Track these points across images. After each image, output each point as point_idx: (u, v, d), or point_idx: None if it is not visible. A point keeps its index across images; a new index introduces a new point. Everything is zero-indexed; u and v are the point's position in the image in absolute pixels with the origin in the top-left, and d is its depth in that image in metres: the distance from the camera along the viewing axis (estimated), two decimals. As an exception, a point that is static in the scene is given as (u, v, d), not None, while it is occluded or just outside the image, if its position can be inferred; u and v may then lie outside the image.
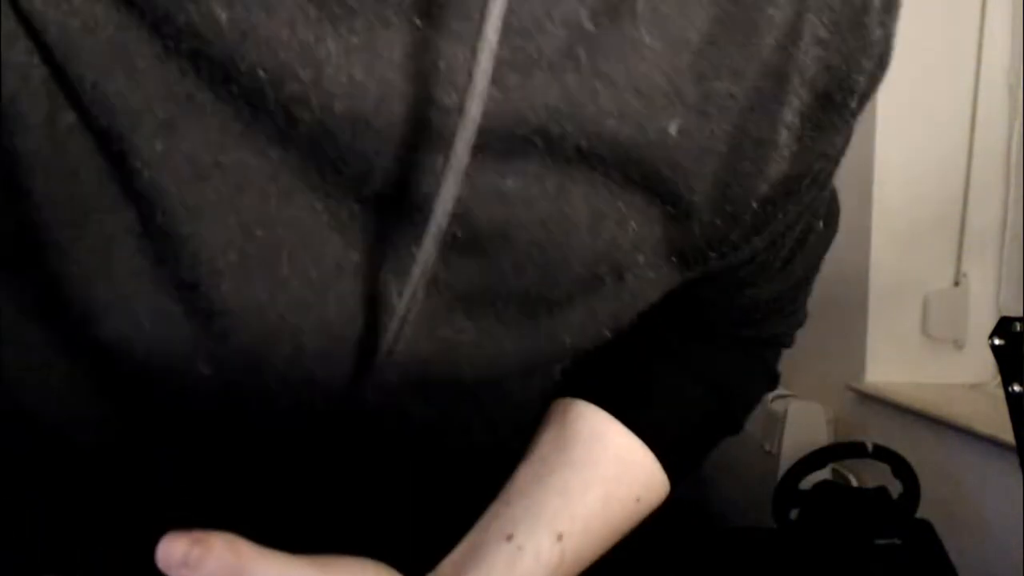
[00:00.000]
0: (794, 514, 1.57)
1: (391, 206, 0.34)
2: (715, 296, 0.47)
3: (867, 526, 1.45)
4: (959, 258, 1.75)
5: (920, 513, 1.48)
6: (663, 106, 0.35)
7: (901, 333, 1.78)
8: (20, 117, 0.30)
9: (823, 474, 1.63)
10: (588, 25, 0.32)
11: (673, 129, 0.35)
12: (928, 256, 1.76)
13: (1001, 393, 0.82)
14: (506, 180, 0.34)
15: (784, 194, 0.41)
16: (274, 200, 0.33)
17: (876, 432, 1.70)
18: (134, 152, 0.31)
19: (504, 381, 0.42)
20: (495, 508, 0.44)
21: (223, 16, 0.29)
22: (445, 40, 0.31)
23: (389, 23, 0.31)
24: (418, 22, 0.31)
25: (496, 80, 0.31)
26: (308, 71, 0.30)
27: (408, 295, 0.34)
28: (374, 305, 0.36)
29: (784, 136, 0.39)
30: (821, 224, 0.49)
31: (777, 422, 1.84)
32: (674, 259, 0.41)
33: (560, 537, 0.43)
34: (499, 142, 0.33)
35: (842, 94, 0.40)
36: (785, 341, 0.56)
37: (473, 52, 0.29)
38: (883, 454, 1.52)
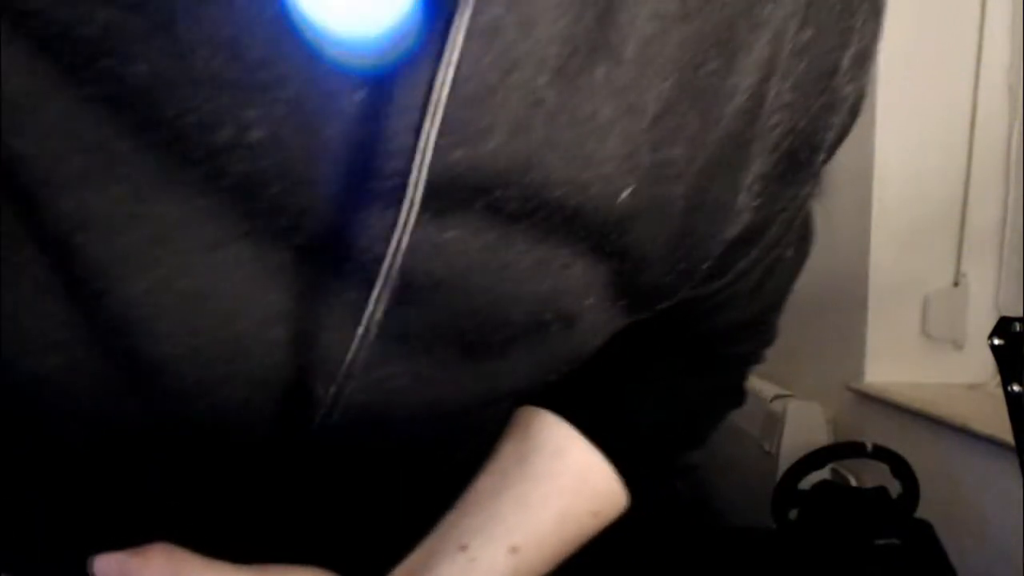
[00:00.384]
0: (793, 514, 1.57)
1: (326, 253, 0.33)
2: (680, 320, 0.47)
3: (866, 526, 1.44)
4: (959, 258, 1.75)
5: (919, 513, 1.48)
6: (615, 175, 0.34)
7: (900, 333, 1.78)
8: None
9: (822, 474, 1.63)
10: (544, 93, 0.31)
11: (623, 196, 0.34)
12: (928, 256, 1.76)
13: (1000, 393, 0.82)
14: (446, 233, 0.33)
15: (745, 243, 0.41)
16: (199, 251, 0.32)
17: (875, 432, 1.70)
18: (43, 207, 0.30)
19: (446, 420, 0.41)
20: (451, 517, 0.44)
21: (145, 66, 0.28)
22: (388, 108, 0.30)
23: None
24: (359, 93, 0.30)
25: (440, 147, 0.30)
26: (232, 128, 0.29)
27: (357, 340, 0.32)
28: (308, 353, 0.35)
29: (744, 198, 0.38)
30: (791, 252, 0.48)
31: (776, 422, 1.84)
32: (623, 303, 0.40)
33: (515, 550, 0.42)
34: (440, 200, 0.32)
35: (808, 152, 0.39)
36: (753, 360, 0.56)
37: (420, 119, 0.28)
38: (882, 454, 1.52)
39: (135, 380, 0.34)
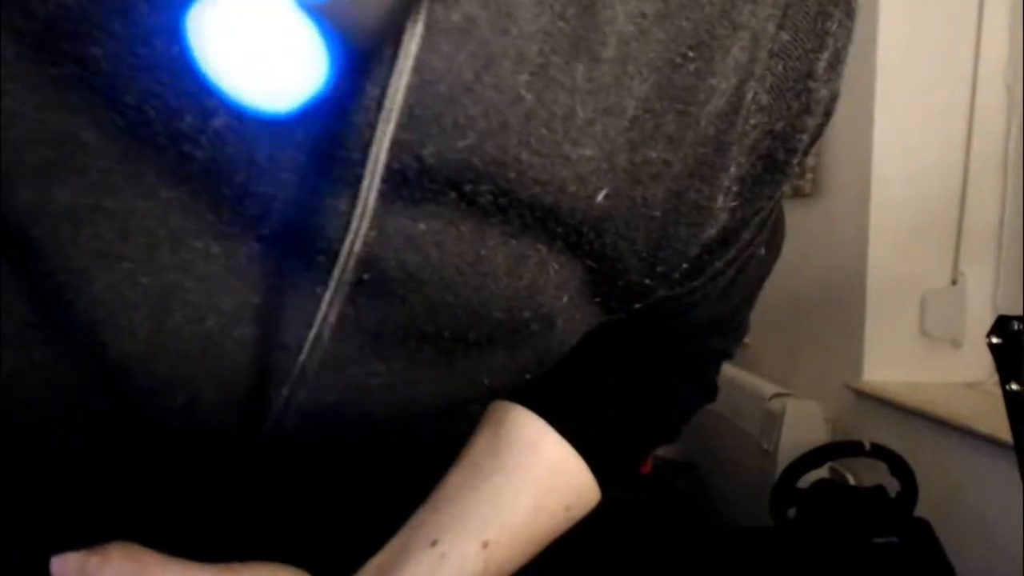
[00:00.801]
0: (792, 513, 1.58)
1: (293, 246, 0.32)
2: (653, 317, 0.46)
3: (865, 525, 1.45)
4: (957, 257, 1.75)
5: (918, 512, 1.48)
6: (592, 175, 0.33)
7: (899, 332, 1.78)
8: None
9: (821, 473, 1.64)
10: (523, 91, 0.31)
11: (600, 197, 0.34)
12: (926, 255, 1.76)
13: (999, 392, 0.82)
14: (418, 224, 0.32)
15: (721, 244, 0.40)
16: (164, 245, 0.31)
17: (874, 431, 1.71)
18: (2, 200, 0.29)
19: (420, 420, 0.41)
20: (423, 512, 0.44)
21: (102, 49, 0.27)
22: (355, 98, 0.29)
23: None
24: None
25: (409, 142, 0.30)
26: (195, 115, 0.29)
27: (309, 343, 0.32)
28: (275, 351, 0.34)
29: (721, 200, 0.38)
30: (762, 250, 0.48)
31: (775, 421, 1.84)
32: (598, 300, 0.39)
33: (486, 545, 0.42)
34: (411, 190, 0.31)
35: (785, 154, 0.39)
36: (725, 355, 0.56)
37: (378, 106, 0.28)
38: (881, 453, 1.52)
39: (100, 379, 0.34)
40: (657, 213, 0.36)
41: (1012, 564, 1.36)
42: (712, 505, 2.11)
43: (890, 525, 1.45)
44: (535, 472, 0.46)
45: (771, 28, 0.36)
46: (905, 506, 1.48)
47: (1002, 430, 1.16)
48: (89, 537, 0.35)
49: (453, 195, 0.32)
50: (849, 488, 1.66)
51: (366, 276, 0.33)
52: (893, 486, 1.51)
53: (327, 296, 0.31)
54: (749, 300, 0.53)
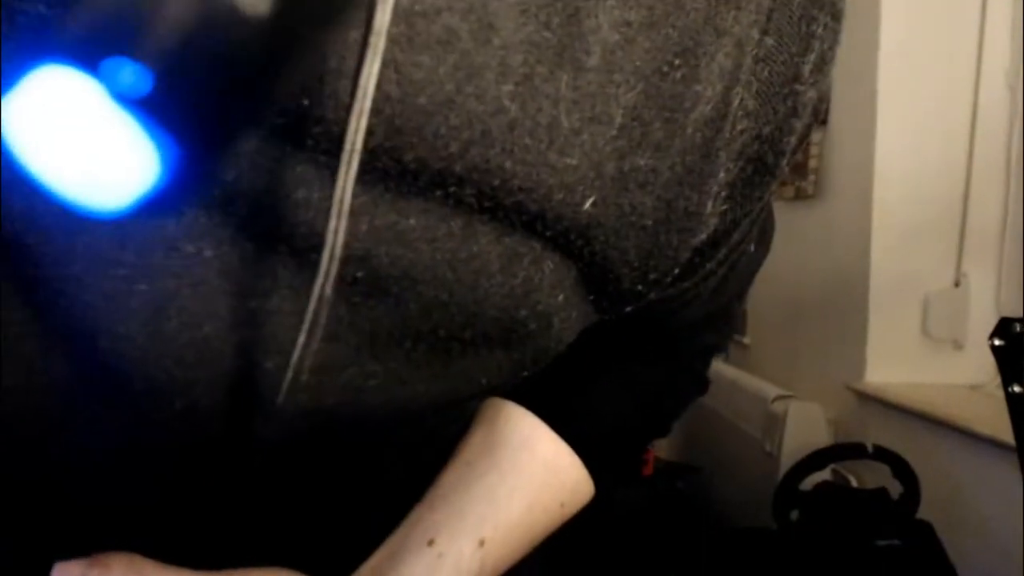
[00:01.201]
0: (794, 515, 1.57)
1: (284, 246, 0.32)
2: (645, 316, 0.46)
3: (867, 527, 1.45)
4: (959, 259, 1.75)
5: (920, 514, 1.48)
6: (577, 184, 0.33)
7: (901, 334, 1.78)
8: None
9: (823, 475, 1.64)
10: (506, 102, 0.31)
11: (587, 205, 0.34)
12: (928, 257, 1.76)
13: (1001, 394, 0.82)
14: (408, 219, 0.32)
15: (712, 247, 0.41)
16: (159, 251, 0.31)
17: (876, 433, 1.70)
18: None
19: (417, 419, 0.41)
20: (418, 512, 0.44)
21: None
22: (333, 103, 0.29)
23: None
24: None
25: (391, 149, 0.30)
26: None
27: (301, 342, 0.32)
28: (272, 354, 0.34)
29: (711, 205, 0.38)
30: (752, 247, 0.48)
31: (777, 423, 1.84)
32: (591, 299, 0.39)
33: (482, 543, 0.43)
34: (396, 184, 0.31)
35: (773, 156, 0.39)
36: (717, 349, 0.56)
37: (351, 98, 0.27)
38: (883, 455, 1.52)
39: (98, 385, 0.34)
40: (648, 222, 0.36)
41: (1014, 566, 1.36)
42: (714, 507, 2.11)
43: (892, 527, 1.45)
44: (529, 469, 0.46)
45: (755, 34, 0.36)
46: (907, 508, 1.48)
47: (1005, 432, 1.16)
48: (89, 542, 0.35)
49: (439, 193, 0.32)
50: (851, 490, 1.66)
51: (359, 274, 0.33)
52: (895, 488, 1.51)
53: (315, 293, 0.31)
54: (740, 296, 0.53)
